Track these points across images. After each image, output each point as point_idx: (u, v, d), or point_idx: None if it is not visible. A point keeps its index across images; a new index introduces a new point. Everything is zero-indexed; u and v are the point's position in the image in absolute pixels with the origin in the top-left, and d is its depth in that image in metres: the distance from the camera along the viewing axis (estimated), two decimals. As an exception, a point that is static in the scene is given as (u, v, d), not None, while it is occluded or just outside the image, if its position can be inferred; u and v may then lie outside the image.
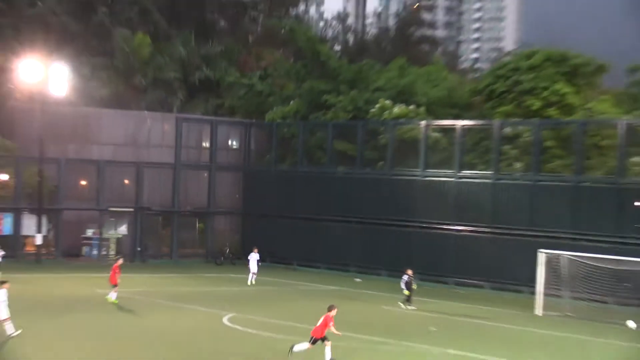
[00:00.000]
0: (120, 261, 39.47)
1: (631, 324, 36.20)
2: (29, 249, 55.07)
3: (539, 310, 41.14)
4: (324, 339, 26.25)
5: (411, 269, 41.57)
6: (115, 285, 37.06)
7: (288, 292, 47.28)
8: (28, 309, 34.01)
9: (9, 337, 27.78)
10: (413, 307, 40.15)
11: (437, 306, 41.94)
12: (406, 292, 40.77)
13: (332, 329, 26.09)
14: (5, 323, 27.83)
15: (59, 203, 56.72)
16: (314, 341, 26.25)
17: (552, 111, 56.21)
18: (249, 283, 47.39)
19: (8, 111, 60.67)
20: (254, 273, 47.53)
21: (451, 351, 29.24)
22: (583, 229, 46.36)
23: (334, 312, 26.58)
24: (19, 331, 28.15)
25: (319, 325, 26.23)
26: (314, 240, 57.61)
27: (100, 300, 38.44)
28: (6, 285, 29.11)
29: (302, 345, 26.23)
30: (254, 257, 48.01)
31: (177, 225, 60.62)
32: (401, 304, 40.67)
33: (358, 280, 52.17)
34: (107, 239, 58.10)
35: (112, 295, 36.93)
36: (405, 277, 41.11)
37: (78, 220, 58.56)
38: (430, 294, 45.14)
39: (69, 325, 31.98)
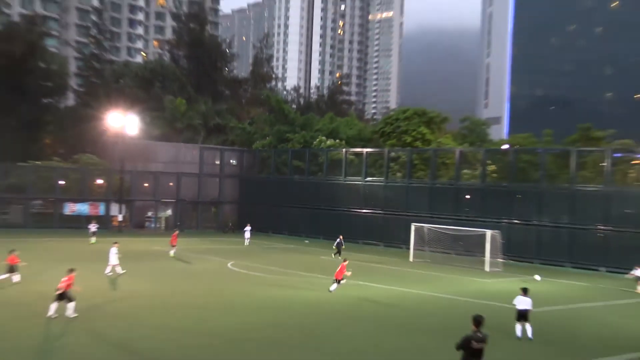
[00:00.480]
0: (177, 231, 50.27)
1: (537, 277, 40.91)
2: (114, 223, 66.39)
3: (411, 258, 50.25)
4: (339, 281, 32.12)
5: (341, 235, 51.82)
6: (174, 246, 45.74)
7: (266, 249, 54.71)
8: (124, 258, 37.84)
9: (119, 275, 34.60)
10: (339, 257, 45.59)
11: (352, 257, 42.07)
12: (334, 248, 49.93)
13: (347, 273, 32.27)
14: (116, 267, 34.78)
15: (132, 196, 69.94)
16: (337, 281, 31.98)
17: (417, 143, 68.65)
18: (245, 244, 56.55)
19: (102, 142, 73.97)
20: (247, 238, 57.91)
21: (360, 282, 35.63)
22: (435, 211, 56.88)
23: (346, 263, 32.96)
24: (124, 271, 35.24)
25: (338, 271, 32.18)
26: (281, 218, 69.47)
27: (159, 252, 47.82)
28: (117, 244, 35.68)
29: (333, 286, 31.95)
30: (247, 229, 59.09)
31: (200, 210, 74.16)
32: (332, 255, 49.13)
33: (307, 242, 63.27)
34: (160, 218, 71.45)
35: (172, 252, 45.47)
36: (338, 240, 50.69)
37: (143, 206, 71.87)
38: (348, 249, 50.38)
39: (144, 267, 39.69)
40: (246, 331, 23.54)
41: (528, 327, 23.69)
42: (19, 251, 31.77)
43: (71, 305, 23.68)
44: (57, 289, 23.46)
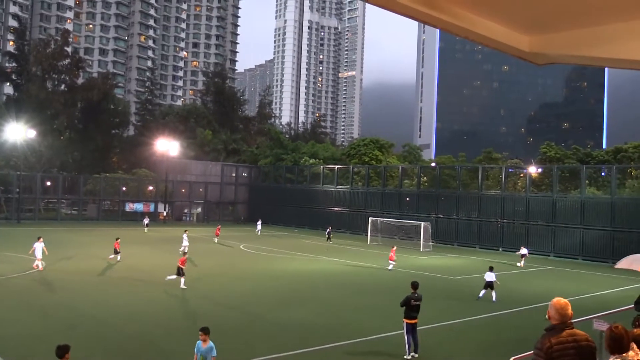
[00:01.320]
0: (220, 226, 49.87)
1: (524, 250, 38.87)
2: (160, 217, 65.74)
3: (368, 242, 49.71)
4: (391, 263, 32.01)
5: (330, 226, 51.47)
6: (217, 235, 45.42)
7: (268, 236, 53.10)
8: (164, 241, 42.78)
9: (181, 250, 33.88)
10: (331, 243, 47.18)
11: (324, 242, 48.18)
12: (326, 235, 49.28)
13: (393, 255, 32.29)
14: (186, 248, 33.98)
15: (173, 198, 69.49)
16: (390, 265, 32.13)
17: (373, 162, 68.24)
18: (257, 234, 53.66)
19: (153, 161, 73.26)
20: (259, 230, 55.55)
21: (333, 259, 36.21)
22: (386, 209, 56.53)
23: (395, 248, 33.58)
24: (182, 249, 34.12)
25: (390, 255, 32.43)
26: (278, 214, 68.28)
27: (192, 238, 45.87)
28: (187, 232, 36.65)
29: (390, 265, 32.09)
30: (259, 223, 57.65)
31: (221, 208, 72.96)
32: (325, 241, 48.41)
33: (296, 230, 61.67)
34: (193, 213, 71.02)
35: (215, 239, 44.85)
36: (328, 230, 50.10)
37: (180, 205, 71.14)
38: (324, 235, 50.64)
39: (178, 247, 35.38)
40: (252, 294, 23.43)
41: (493, 293, 23.85)
42: (120, 238, 32.08)
43: (183, 280, 23.79)
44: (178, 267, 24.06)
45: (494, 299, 23.78)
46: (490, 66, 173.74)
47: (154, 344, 15.53)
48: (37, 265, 26.40)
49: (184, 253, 29.86)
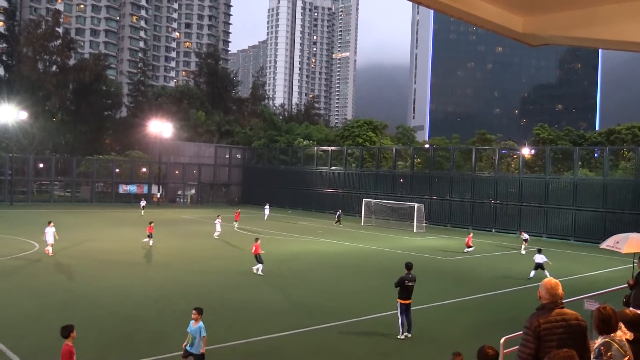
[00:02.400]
0: (239, 210, 46.88)
1: (525, 235, 36.00)
2: (154, 199, 65.29)
3: (362, 223, 50.27)
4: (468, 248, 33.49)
5: (340, 209, 51.26)
6: (237, 221, 43.32)
7: (260, 217, 52.20)
8: (160, 223, 41.16)
9: (216, 235, 35.25)
10: (340, 226, 46.96)
11: (322, 222, 49.24)
12: (336, 219, 48.81)
13: (470, 241, 33.30)
14: (218, 235, 34.43)
15: (166, 180, 69.07)
16: (468, 247, 33.23)
17: (366, 143, 67.86)
18: (264, 219, 50.49)
19: (146, 142, 72.91)
20: (267, 215, 52.18)
21: (328, 240, 36.41)
22: (379, 190, 56.50)
23: (472, 234, 34.97)
24: (216, 234, 35.14)
25: (467, 241, 33.11)
26: (272, 195, 66.69)
27: (186, 220, 47.68)
28: (220, 216, 36.40)
29: (467, 249, 32.94)
30: (267, 207, 53.87)
31: (215, 189, 73.11)
32: (334, 224, 47.79)
33: (290, 212, 61.26)
34: (186, 195, 70.88)
35: (235, 225, 42.68)
36: (338, 213, 49.67)
37: (174, 187, 70.71)
38: (317, 217, 53.85)
39: (175, 230, 39.58)
40: (245, 275, 23.46)
41: (546, 272, 23.88)
42: (153, 222, 31.90)
43: (260, 266, 23.43)
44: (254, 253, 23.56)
45: (548, 275, 24.21)
46: (484, 47, 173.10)
47: (147, 324, 15.61)
48: (48, 250, 25.79)
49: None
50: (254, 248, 23.49)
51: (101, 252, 27.79)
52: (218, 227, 35.32)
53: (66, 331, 9.41)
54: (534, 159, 57.46)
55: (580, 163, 48.41)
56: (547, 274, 24.19)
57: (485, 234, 46.58)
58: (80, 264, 24.48)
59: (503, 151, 58.60)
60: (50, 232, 26.09)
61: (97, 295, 18.69)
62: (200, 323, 11.01)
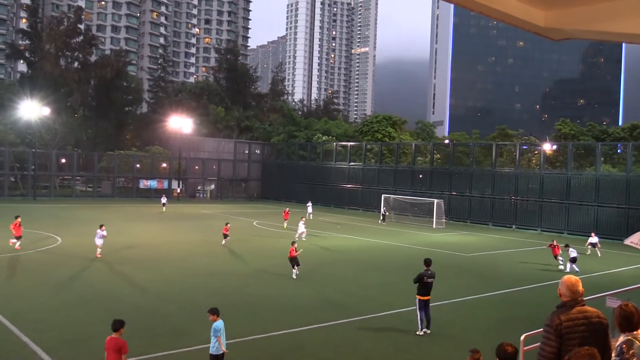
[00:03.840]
0: (288, 209, 43.86)
1: (561, 267, 27.07)
2: (174, 194, 66.01)
3: (381, 219, 48.60)
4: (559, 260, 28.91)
5: (384, 207, 49.38)
6: (286, 220, 41.03)
7: (279, 212, 47.87)
8: (180, 218, 43.10)
9: (303, 240, 33.75)
10: (384, 223, 46.36)
11: (341, 218, 49.30)
12: (381, 216, 48.11)
13: (558, 250, 28.95)
14: (302, 234, 32.82)
15: (186, 175, 69.94)
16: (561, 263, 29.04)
17: (385, 139, 68.11)
18: (309, 217, 46.74)
19: (166, 138, 73.53)
20: (310, 212, 48.67)
21: (347, 236, 36.52)
22: (398, 186, 56.24)
23: (556, 243, 29.67)
24: (303, 235, 33.08)
25: (555, 250, 29.04)
26: (291, 191, 68.54)
27: (206, 215, 47.93)
28: (304, 219, 34.79)
29: (560, 263, 29.00)
30: (309, 205, 50.59)
31: (234, 185, 73.31)
32: (379, 222, 46.95)
33: (309, 205, 57.40)
34: (206, 190, 71.17)
35: (284, 224, 40.54)
36: (383, 210, 48.03)
37: (194, 182, 71.41)
38: (336, 212, 54.34)
39: (193, 224, 40.23)
40: (264, 270, 23.53)
41: (575, 267, 25.91)
42: (229, 223, 31.74)
43: (295, 270, 22.14)
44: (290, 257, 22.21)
45: (577, 269, 25.62)
46: (505, 42, 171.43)
47: (167, 318, 15.71)
48: (99, 254, 24.80)
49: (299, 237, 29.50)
50: (295, 251, 22.22)
51: (123, 247, 27.98)
52: (302, 228, 33.13)
53: (117, 325, 9.69)
54: (556, 154, 56.88)
55: (602, 159, 47.71)
56: (576, 268, 25.64)
57: (506, 230, 46.26)
58: (102, 258, 24.70)
59: (524, 147, 58.03)
60: (100, 235, 25.01)
61: (118, 289, 18.86)
62: (214, 323, 10.89)
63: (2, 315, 14.99)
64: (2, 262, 23.01)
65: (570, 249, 26.36)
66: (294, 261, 22.07)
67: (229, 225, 30.61)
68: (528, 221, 47.19)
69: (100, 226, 25.50)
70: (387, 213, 48.05)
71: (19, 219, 26.09)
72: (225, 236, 30.03)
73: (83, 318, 15.30)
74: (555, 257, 27.65)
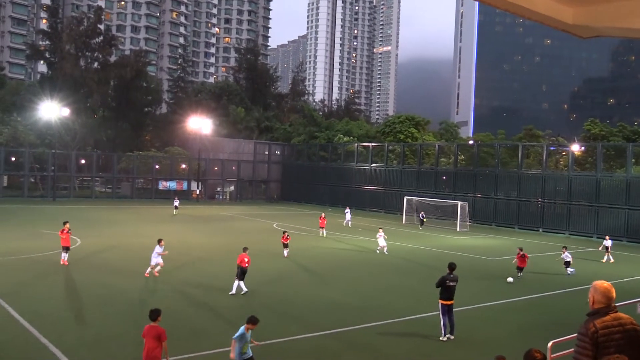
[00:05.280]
0: (323, 214, 41.12)
1: (510, 279, 24.51)
2: (193, 195, 66.78)
3: (403, 221, 50.08)
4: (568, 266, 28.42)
5: (423, 211, 48.08)
6: (322, 227, 37.59)
7: (300, 214, 53.77)
8: (199, 220, 42.93)
9: (384, 252, 30.50)
10: (421, 229, 45.10)
11: (361, 220, 48.37)
12: (419, 221, 47.07)
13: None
14: (385, 249, 30.53)
15: (206, 176, 70.04)
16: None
17: (408, 140, 67.98)
18: (348, 225, 44.22)
19: (186, 138, 74.68)
20: (348, 220, 45.00)
21: (368, 238, 35.84)
22: (421, 188, 56.29)
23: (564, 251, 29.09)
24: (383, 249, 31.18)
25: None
26: (311, 192, 69.29)
27: (225, 216, 47.99)
28: (381, 229, 31.75)
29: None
30: (348, 211, 46.64)
31: (254, 186, 73.58)
32: (419, 227, 45.77)
33: (329, 209, 60.02)
34: (225, 192, 71.51)
35: (324, 232, 37.63)
36: (422, 215, 47.37)
37: (213, 184, 71.71)
38: (358, 214, 52.60)
39: (213, 225, 40.67)
40: (284, 273, 23.57)
41: (570, 269, 26.15)
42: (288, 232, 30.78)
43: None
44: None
45: (573, 272, 25.92)
46: (531, 40, 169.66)
47: (186, 321, 15.80)
48: (156, 272, 21.87)
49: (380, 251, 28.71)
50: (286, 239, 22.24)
51: (142, 249, 28.15)
52: (382, 242, 30.56)
53: (154, 315, 10.29)
54: (584, 155, 56.21)
55: (633, 160, 46.91)
56: (569, 271, 26.05)
57: (532, 234, 45.79)
58: (120, 260, 24.97)
59: (551, 147, 57.63)
60: (157, 252, 21.89)
61: (136, 291, 19.03)
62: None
63: (22, 317, 15.21)
64: (22, 264, 23.36)
65: (566, 253, 26.21)
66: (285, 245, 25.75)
67: (287, 233, 28.37)
68: (555, 224, 46.72)
69: (159, 241, 22.10)
70: (424, 219, 47.09)
71: (68, 225, 23.00)
72: (285, 246, 27.73)
73: (102, 319, 15.48)
74: (520, 269, 24.80)
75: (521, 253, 24.98)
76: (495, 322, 17.50)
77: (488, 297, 20.59)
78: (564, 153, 57.56)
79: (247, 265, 19.17)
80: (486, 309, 19.05)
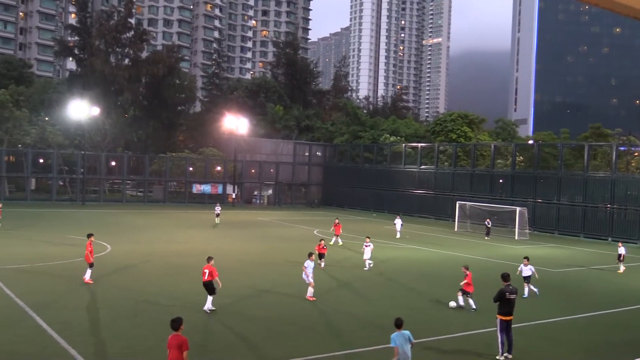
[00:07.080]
0: (337, 220, 37.78)
1: (452, 304, 20.15)
2: (229, 200, 67.63)
3: (456, 229, 49.87)
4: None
5: (488, 219, 46.19)
6: (337, 235, 36.44)
7: (343, 220, 48.47)
8: (236, 226, 44.20)
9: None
10: (487, 239, 43.65)
11: (410, 227, 47.79)
12: (486, 231, 44.97)
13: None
14: (338, 237, 34.63)
15: (242, 179, 71.41)
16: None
17: (461, 139, 67.78)
18: (397, 236, 41.87)
19: (221, 139, 75.53)
20: (399, 231, 42.34)
21: (414, 246, 36.78)
22: (475, 192, 56.12)
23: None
24: (339, 242, 34.86)
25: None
26: (355, 197, 69.54)
27: (262, 222, 48.91)
28: (338, 223, 35.29)
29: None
30: (399, 219, 43.34)
31: (293, 190, 74.67)
32: (485, 237, 44.36)
33: (374, 215, 62.74)
34: (263, 196, 72.37)
35: (339, 240, 36.42)
36: (487, 222, 45.69)
37: (250, 187, 73.10)
38: (405, 220, 48.23)
39: (250, 231, 41.32)
40: (326, 285, 23.51)
41: (528, 288, 22.61)
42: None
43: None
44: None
45: (525, 294, 22.31)
46: (598, 29, 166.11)
47: (220, 333, 15.95)
48: (310, 296, 20.66)
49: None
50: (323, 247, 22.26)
51: (174, 256, 28.63)
52: (367, 254, 27.68)
53: (176, 324, 10.64)
54: (660, 156, 54.98)
55: None
56: (529, 289, 22.61)
57: (600, 243, 44.82)
58: (152, 268, 25.42)
59: (621, 148, 56.44)
60: (310, 267, 20.78)
61: (168, 301, 19.24)
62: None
63: (50, 327, 15.57)
64: (51, 271, 23.93)
65: (529, 266, 22.82)
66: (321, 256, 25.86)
67: (323, 242, 27.53)
68: (626, 233, 45.45)
69: (309, 255, 21.49)
70: (490, 226, 45.70)
71: (92, 238, 22.38)
72: (321, 256, 26.85)
73: (131, 331, 15.74)
74: (468, 293, 20.58)
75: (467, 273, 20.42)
76: (557, 340, 17.11)
77: (550, 313, 20.15)
78: (636, 154, 57.11)
79: (211, 278, 18.10)
80: (548, 326, 18.62)
